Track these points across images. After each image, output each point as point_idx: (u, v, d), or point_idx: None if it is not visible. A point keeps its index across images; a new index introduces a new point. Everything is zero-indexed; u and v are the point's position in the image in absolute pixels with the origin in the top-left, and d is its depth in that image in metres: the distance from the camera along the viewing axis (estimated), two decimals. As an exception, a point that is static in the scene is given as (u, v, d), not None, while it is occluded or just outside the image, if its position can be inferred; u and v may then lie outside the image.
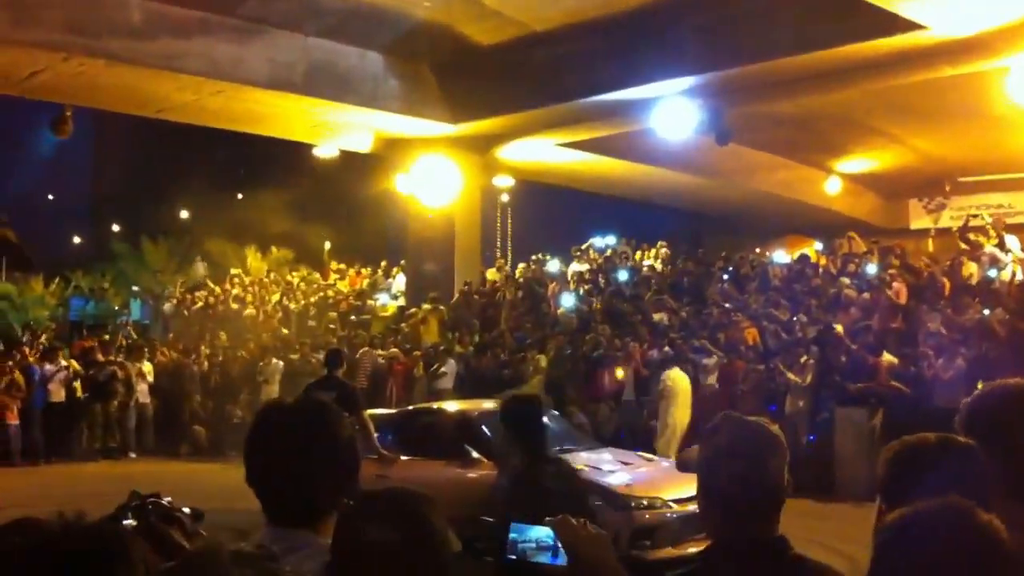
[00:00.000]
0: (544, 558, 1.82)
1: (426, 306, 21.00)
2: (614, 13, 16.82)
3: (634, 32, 16.64)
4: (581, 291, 21.14)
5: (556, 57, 17.84)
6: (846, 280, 17.43)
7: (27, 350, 19.59)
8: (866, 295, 16.62)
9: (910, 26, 14.06)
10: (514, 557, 1.86)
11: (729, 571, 2.33)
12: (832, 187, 24.94)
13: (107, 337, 21.28)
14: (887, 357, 14.06)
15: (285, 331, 21.49)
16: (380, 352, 19.11)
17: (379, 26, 18.18)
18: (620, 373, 16.13)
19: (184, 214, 38.15)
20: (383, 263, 25.98)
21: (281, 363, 19.18)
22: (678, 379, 14.97)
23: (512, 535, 1.89)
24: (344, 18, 17.83)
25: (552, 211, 28.73)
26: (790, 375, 14.57)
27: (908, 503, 1.96)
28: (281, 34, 17.93)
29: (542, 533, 1.84)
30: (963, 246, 19.04)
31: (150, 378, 19.63)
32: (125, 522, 2.39)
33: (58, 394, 18.48)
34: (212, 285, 25.43)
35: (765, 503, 2.36)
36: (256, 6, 17.23)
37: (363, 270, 26.96)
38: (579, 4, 16.93)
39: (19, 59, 16.27)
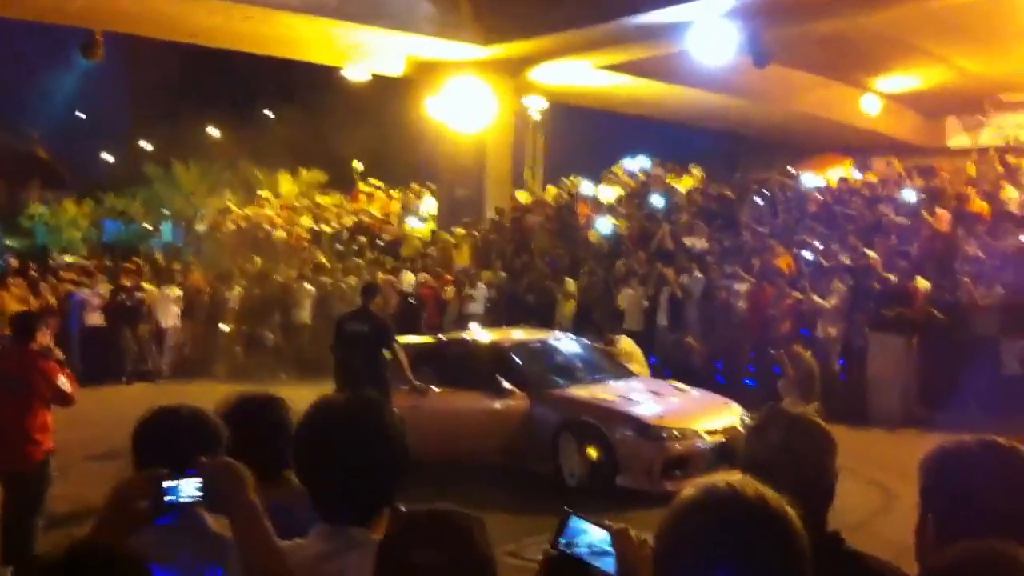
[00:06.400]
0: (598, 563, 1.78)
1: (459, 230, 20.93)
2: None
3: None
4: (614, 216, 20.91)
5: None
6: (884, 206, 17.12)
7: (62, 274, 19.67)
8: (905, 220, 16.30)
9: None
10: (567, 552, 1.82)
11: None
12: (869, 105, 24.39)
13: (134, 262, 21.33)
14: (923, 283, 13.85)
15: (317, 255, 21.46)
16: (411, 276, 19.08)
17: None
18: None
19: (216, 134, 38.07)
20: (413, 185, 25.82)
21: (313, 288, 19.20)
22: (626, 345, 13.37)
23: (567, 532, 1.83)
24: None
25: (583, 131, 28.30)
26: (816, 299, 14.36)
27: (954, 513, 1.90)
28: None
29: (599, 537, 1.80)
30: (1000, 169, 18.62)
31: (180, 302, 19.69)
32: None
33: (95, 319, 18.66)
34: (237, 209, 25.36)
35: (820, 503, 2.28)
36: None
37: (393, 192, 26.82)
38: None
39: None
